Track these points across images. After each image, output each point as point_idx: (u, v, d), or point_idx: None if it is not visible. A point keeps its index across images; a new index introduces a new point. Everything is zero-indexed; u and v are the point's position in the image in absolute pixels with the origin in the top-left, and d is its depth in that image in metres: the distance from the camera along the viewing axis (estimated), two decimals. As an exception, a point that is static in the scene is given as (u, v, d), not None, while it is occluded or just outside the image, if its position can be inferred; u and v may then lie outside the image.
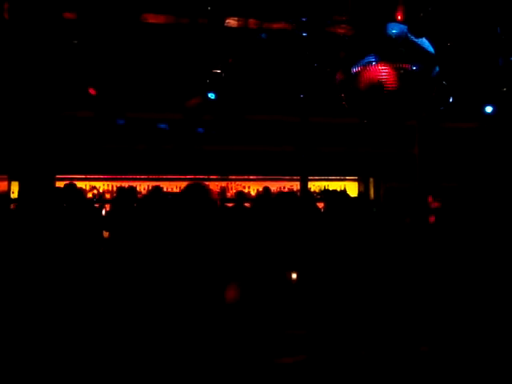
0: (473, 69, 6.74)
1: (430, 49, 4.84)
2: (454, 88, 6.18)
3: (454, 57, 5.89)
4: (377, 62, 4.61)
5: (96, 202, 9.69)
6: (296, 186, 11.35)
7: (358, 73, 4.62)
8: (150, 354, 2.11)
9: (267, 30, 6.76)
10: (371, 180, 11.81)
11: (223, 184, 11.18)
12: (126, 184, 10.12)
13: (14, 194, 7.81)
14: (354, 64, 4.61)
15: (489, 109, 8.41)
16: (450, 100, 6.74)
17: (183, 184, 10.95)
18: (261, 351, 3.21)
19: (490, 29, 5.87)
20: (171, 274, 1.90)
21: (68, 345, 2.51)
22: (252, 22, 6.73)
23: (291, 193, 10.16)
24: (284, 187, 11.41)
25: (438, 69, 4.86)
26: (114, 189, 10.47)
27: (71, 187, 6.37)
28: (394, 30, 4.85)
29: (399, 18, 5.19)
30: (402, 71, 4.65)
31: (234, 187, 11.34)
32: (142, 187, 10.47)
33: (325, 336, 3.67)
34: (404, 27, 4.78)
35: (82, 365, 2.35)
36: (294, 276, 5.13)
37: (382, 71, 4.60)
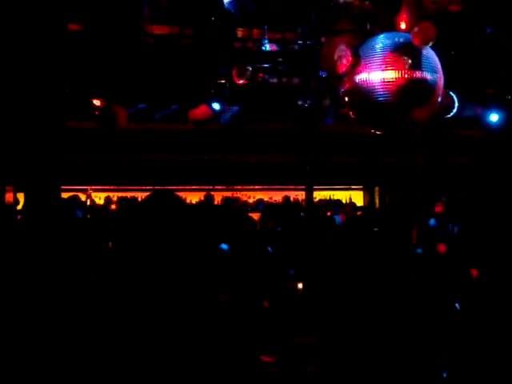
0: (478, 76, 6.73)
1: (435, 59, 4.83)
2: (459, 96, 6.17)
3: (458, 64, 5.88)
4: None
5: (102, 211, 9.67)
6: (301, 195, 11.33)
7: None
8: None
9: (271, 39, 6.77)
10: (376, 189, 11.78)
11: (228, 194, 11.16)
12: (130, 194, 10.13)
13: (20, 206, 7.81)
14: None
15: (494, 117, 8.36)
16: (455, 110, 6.72)
17: (188, 194, 10.85)
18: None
19: (494, 36, 5.87)
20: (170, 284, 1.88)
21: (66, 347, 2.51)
22: (256, 32, 6.76)
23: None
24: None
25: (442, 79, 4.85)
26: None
27: (75, 200, 6.38)
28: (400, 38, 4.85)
29: (402, 27, 5.19)
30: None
31: (239, 197, 11.32)
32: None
33: (334, 344, 3.65)
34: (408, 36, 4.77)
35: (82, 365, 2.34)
36: (300, 286, 5.11)
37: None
